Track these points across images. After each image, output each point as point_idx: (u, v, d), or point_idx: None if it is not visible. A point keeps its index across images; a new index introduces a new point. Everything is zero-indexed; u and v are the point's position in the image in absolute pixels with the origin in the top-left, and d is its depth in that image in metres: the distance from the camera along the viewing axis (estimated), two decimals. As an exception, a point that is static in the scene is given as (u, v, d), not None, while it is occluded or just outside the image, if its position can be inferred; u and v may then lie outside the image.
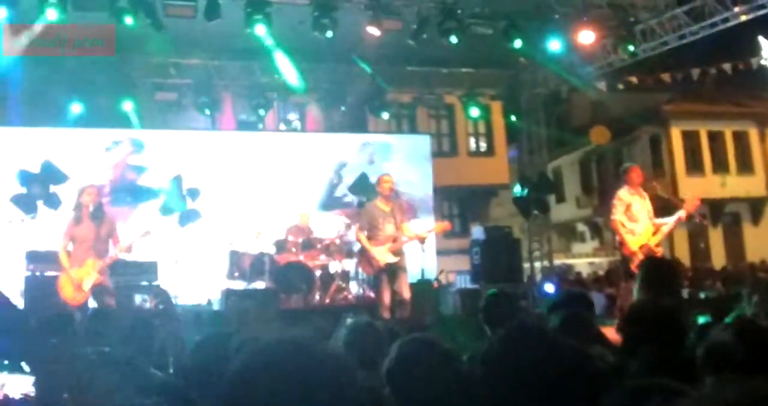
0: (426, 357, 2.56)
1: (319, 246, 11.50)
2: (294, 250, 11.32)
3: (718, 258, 25.26)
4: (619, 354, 3.27)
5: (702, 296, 13.55)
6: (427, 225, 10.67)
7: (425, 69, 15.17)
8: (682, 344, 2.96)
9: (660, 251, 8.66)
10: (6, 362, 2.29)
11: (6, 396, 2.28)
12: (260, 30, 10.86)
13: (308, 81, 14.08)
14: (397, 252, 8.89)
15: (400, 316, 8.68)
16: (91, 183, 8.99)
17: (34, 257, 10.26)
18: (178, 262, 10.94)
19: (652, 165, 25.61)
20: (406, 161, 15.53)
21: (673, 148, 26.31)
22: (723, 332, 2.79)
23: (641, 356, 2.83)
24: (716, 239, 26.34)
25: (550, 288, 13.61)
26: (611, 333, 4.37)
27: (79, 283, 8.05)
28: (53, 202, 11.73)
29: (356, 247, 10.41)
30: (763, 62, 15.08)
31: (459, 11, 11.67)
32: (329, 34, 11.15)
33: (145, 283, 10.60)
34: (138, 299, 10.03)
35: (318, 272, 11.24)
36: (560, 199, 29.15)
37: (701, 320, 5.44)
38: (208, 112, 14.46)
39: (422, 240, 9.10)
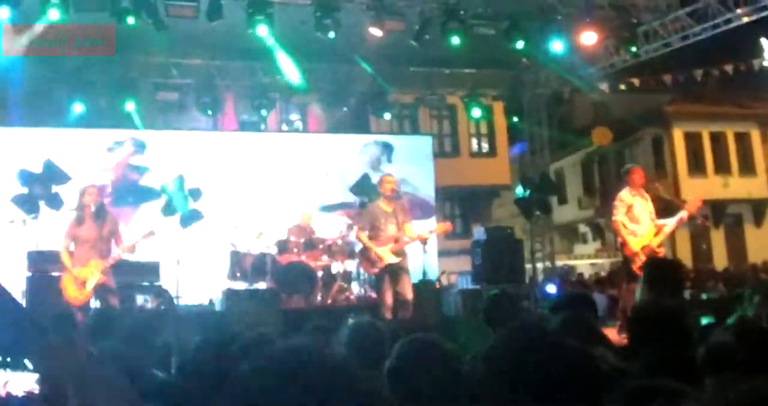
0: (427, 357, 2.56)
1: (320, 247, 11.49)
2: (296, 250, 11.32)
3: (720, 259, 25.25)
4: (623, 355, 3.26)
5: (704, 297, 13.54)
6: (429, 226, 10.67)
7: (427, 69, 15.18)
8: (685, 345, 2.96)
9: (662, 252, 8.65)
10: (8, 359, 2.29)
11: (8, 394, 2.28)
12: (262, 30, 10.86)
13: (310, 81, 14.09)
14: (399, 253, 8.87)
15: (403, 317, 8.68)
16: (93, 183, 9.00)
17: (35, 257, 10.28)
18: (179, 262, 10.93)
19: (654, 166, 25.58)
20: (407, 162, 15.53)
21: (675, 149, 26.29)
22: (724, 333, 2.79)
23: (644, 356, 2.83)
24: (718, 240, 26.32)
25: (552, 289, 13.62)
26: (613, 334, 4.37)
27: (82, 283, 8.05)
28: (55, 202, 11.74)
29: (358, 247, 10.41)
30: (765, 64, 15.05)
31: (461, 12, 11.67)
32: (331, 34, 11.16)
33: (146, 283, 10.61)
34: (140, 299, 10.04)
35: (320, 273, 11.24)
36: (562, 200, 29.12)
37: (704, 321, 5.44)
38: (209, 112, 14.46)
39: (424, 241, 9.08)
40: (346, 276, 11.64)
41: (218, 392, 2.43)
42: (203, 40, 12.64)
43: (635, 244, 8.41)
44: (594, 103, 26.81)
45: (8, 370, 2.29)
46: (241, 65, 14.43)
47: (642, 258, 8.18)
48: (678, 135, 26.45)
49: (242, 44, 12.41)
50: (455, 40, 11.65)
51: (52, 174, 11.96)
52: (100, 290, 8.13)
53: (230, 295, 10.19)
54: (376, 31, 11.42)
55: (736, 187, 26.35)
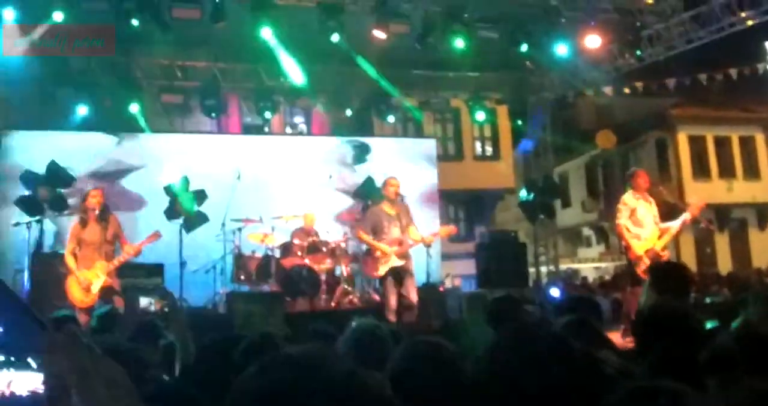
0: (431, 360, 2.56)
1: (324, 249, 11.48)
2: (300, 253, 11.30)
3: (725, 263, 25.21)
4: (627, 358, 3.25)
5: (708, 301, 13.50)
6: (433, 229, 10.66)
7: (431, 72, 15.18)
8: (692, 348, 2.95)
9: (666, 255, 8.63)
10: (12, 358, 2.29)
11: (13, 393, 2.27)
12: (266, 33, 10.89)
13: (314, 84, 14.09)
14: (403, 256, 8.86)
15: (407, 320, 8.67)
16: (97, 186, 9.02)
17: (40, 259, 10.28)
18: (183, 264, 10.92)
19: (658, 170, 25.56)
20: (411, 165, 15.52)
21: (680, 153, 26.28)
22: (728, 337, 2.78)
23: (650, 359, 2.82)
24: (722, 244, 26.29)
25: (556, 293, 13.59)
26: (617, 338, 4.36)
27: (87, 285, 8.06)
28: (59, 204, 11.76)
29: (362, 250, 10.40)
30: (769, 67, 15.04)
31: (465, 15, 11.68)
32: (335, 37, 11.17)
33: (150, 285, 10.60)
34: (144, 301, 10.04)
35: (323, 276, 11.23)
36: (566, 203, 29.12)
37: (709, 324, 5.42)
38: (214, 115, 14.47)
39: (428, 244, 9.07)
40: (350, 279, 11.63)
41: (222, 394, 2.43)
42: (208, 43, 12.67)
43: (639, 247, 8.40)
44: (598, 106, 26.82)
45: (12, 369, 2.29)
46: (245, 68, 14.45)
47: (646, 261, 8.18)
48: (682, 139, 26.44)
49: (246, 47, 12.43)
50: (459, 43, 11.66)
51: (57, 176, 11.99)
52: (106, 293, 8.14)
53: (234, 298, 10.19)
54: (379, 34, 11.43)
55: (741, 191, 26.32)
